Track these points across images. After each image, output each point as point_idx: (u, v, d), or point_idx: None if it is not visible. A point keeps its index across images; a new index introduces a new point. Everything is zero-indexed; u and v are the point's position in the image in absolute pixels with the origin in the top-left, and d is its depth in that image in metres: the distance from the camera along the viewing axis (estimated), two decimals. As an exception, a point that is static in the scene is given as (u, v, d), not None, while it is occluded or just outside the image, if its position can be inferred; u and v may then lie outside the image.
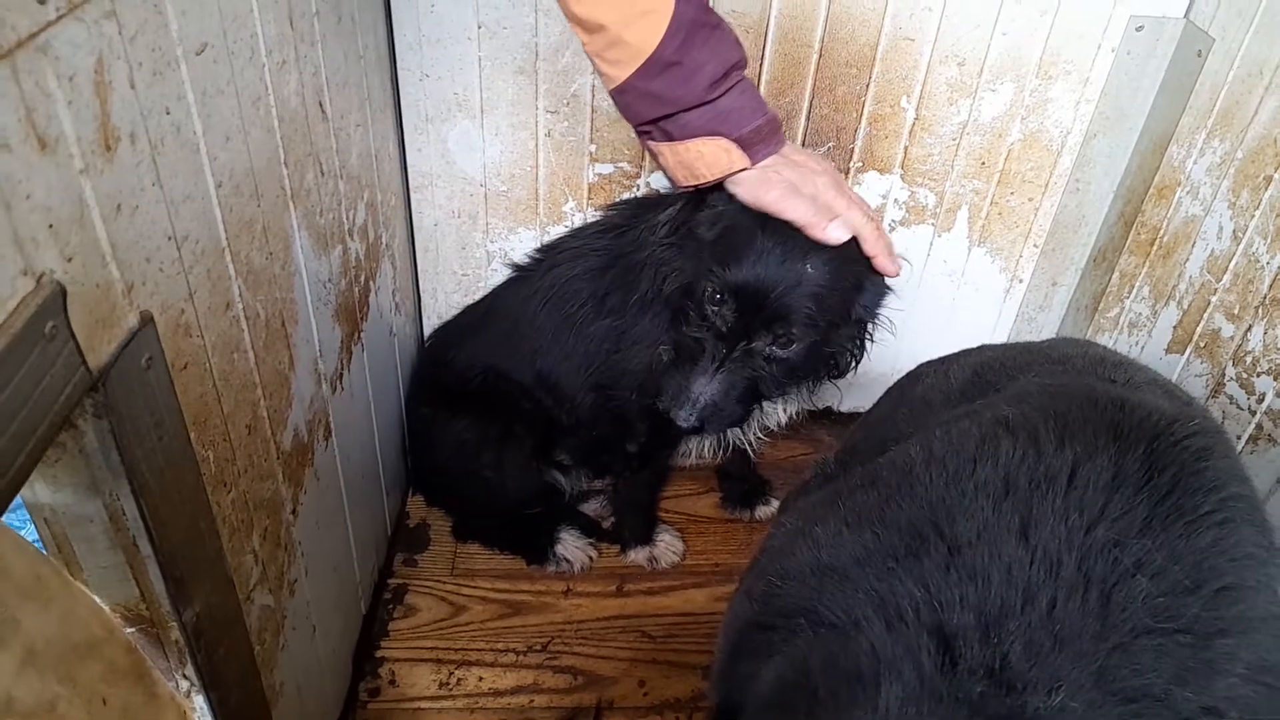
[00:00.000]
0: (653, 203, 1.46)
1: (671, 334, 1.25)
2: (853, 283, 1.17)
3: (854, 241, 1.15)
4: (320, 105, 1.12)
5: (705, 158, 1.10)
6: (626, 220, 1.45)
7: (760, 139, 1.10)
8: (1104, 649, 0.52)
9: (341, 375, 1.25)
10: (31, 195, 0.58)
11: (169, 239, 0.76)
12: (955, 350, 1.56)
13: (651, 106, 1.08)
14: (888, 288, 1.22)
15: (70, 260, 0.62)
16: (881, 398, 1.09)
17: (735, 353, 1.16)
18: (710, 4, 1.08)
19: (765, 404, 1.37)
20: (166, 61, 0.74)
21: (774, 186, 1.11)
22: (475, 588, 1.57)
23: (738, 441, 1.49)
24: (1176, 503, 0.58)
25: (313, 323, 1.12)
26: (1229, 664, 0.54)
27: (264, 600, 1.03)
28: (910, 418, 0.91)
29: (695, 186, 1.15)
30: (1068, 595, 0.54)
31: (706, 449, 1.52)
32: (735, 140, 1.09)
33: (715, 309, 1.16)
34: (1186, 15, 1.42)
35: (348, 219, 1.25)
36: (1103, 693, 0.51)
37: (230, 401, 0.90)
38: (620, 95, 1.10)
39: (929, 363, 1.07)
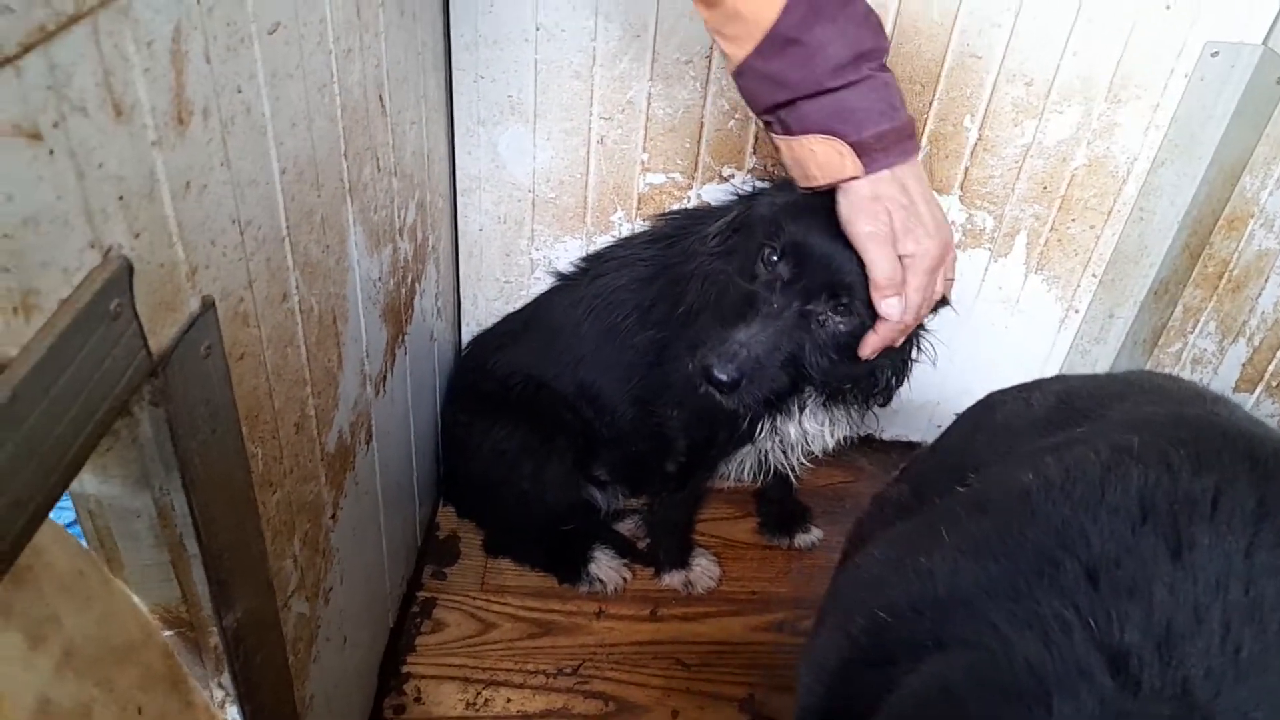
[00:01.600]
0: (703, 214, 1.42)
1: (717, 302, 1.17)
2: None
3: None
4: (380, 99, 1.09)
5: (817, 157, 0.99)
6: (676, 231, 1.41)
7: (882, 146, 0.98)
8: (1290, 686, 0.47)
9: (385, 378, 1.21)
10: (104, 164, 0.54)
11: (233, 222, 0.73)
12: (1007, 379, 1.52)
13: (770, 90, 0.98)
14: (946, 303, 1.17)
15: (138, 237, 0.58)
16: (952, 426, 1.04)
17: (789, 310, 1.06)
18: None
19: (808, 425, 1.32)
20: (240, 38, 0.71)
21: (875, 220, 1.00)
22: (505, 604, 1.52)
23: (780, 465, 1.44)
24: (1334, 537, 0.54)
25: (361, 322, 1.08)
26: None
27: (300, 608, 0.99)
28: (991, 445, 0.87)
29: (811, 190, 1.04)
30: (1241, 621, 0.49)
31: (747, 471, 1.47)
32: (852, 144, 0.97)
33: (771, 266, 1.07)
34: (1265, 42, 1.38)
35: (399, 218, 1.21)
36: (1296, 736, 0.46)
37: (281, 397, 0.86)
38: (740, 78, 1.01)
39: (1003, 391, 1.02)
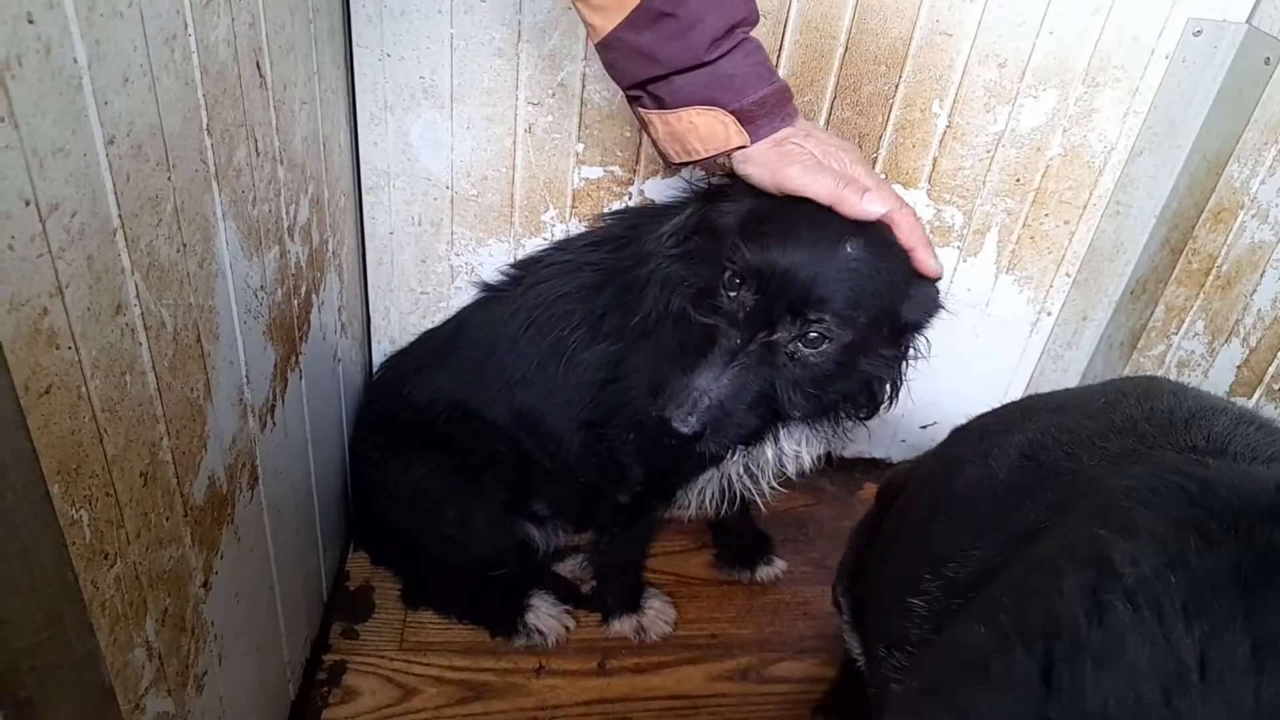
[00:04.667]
0: (652, 214, 1.26)
1: (679, 332, 1.04)
2: (900, 277, 0.98)
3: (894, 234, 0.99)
4: (258, 67, 0.89)
5: (699, 130, 0.95)
6: (625, 231, 1.24)
7: (764, 111, 0.95)
8: None
9: (274, 408, 1.00)
10: None
11: (26, 204, 0.52)
12: (976, 388, 1.40)
13: (642, 65, 0.93)
14: (938, 295, 1.03)
15: None
16: (911, 481, 0.89)
17: (753, 345, 0.94)
18: None
19: (785, 444, 1.16)
20: (32, -50, 0.51)
21: (794, 160, 0.95)
22: (428, 665, 1.31)
23: (745, 491, 1.28)
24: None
25: (239, 339, 0.88)
26: None
27: (160, 706, 0.78)
28: (951, 529, 0.72)
29: (687, 163, 1.00)
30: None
31: (709, 500, 1.30)
32: (734, 112, 0.94)
33: (733, 293, 0.95)
34: (1249, 20, 1.28)
35: (288, 215, 1.01)
36: None
37: (118, 441, 0.66)
38: (606, 51, 0.95)
39: (962, 436, 0.88)
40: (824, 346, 0.96)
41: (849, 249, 0.94)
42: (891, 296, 0.99)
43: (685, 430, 0.93)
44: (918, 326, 1.03)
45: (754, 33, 0.96)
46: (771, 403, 0.97)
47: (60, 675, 0.61)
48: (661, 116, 0.96)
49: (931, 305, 1.02)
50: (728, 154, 0.97)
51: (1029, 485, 0.72)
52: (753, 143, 0.95)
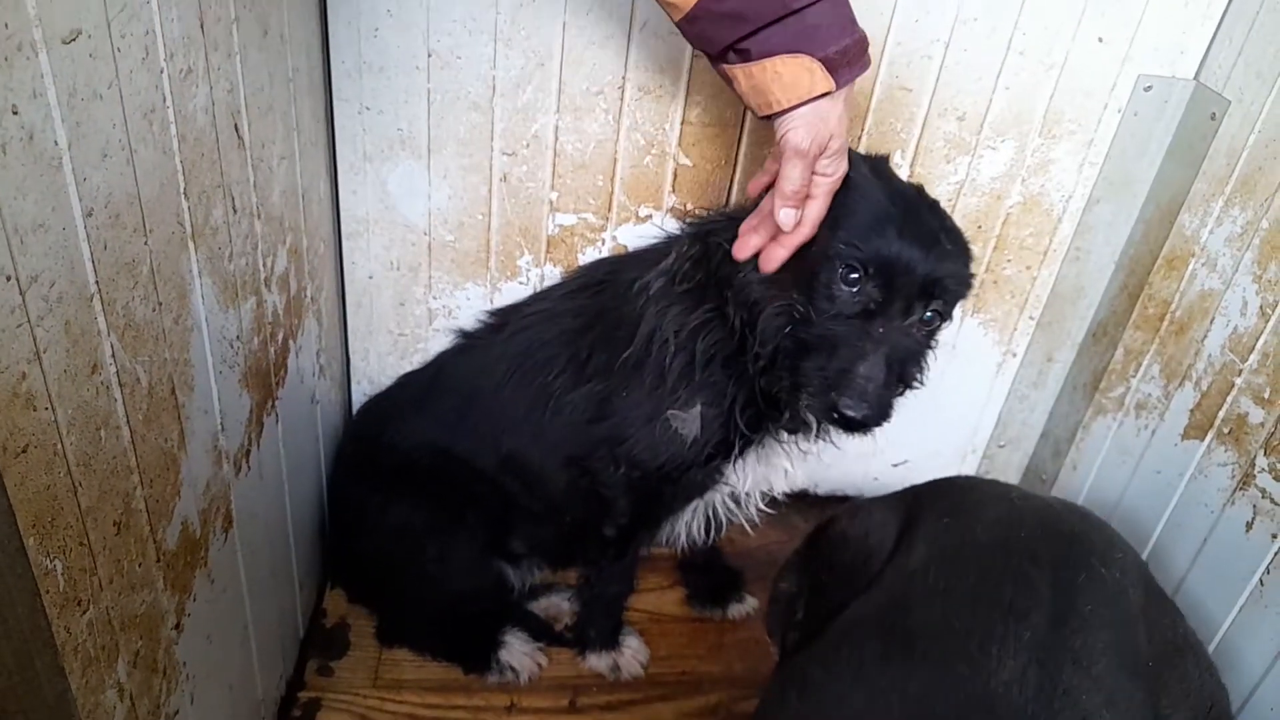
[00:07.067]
0: (627, 259, 1.31)
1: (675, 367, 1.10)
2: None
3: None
4: (236, 129, 0.93)
5: (783, 79, 0.94)
6: (604, 275, 1.28)
7: (847, 61, 0.95)
8: None
9: (249, 452, 1.03)
10: None
11: (7, 278, 0.56)
12: (945, 426, 1.44)
13: (730, 28, 0.94)
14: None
15: None
16: (839, 556, 0.96)
17: (894, 332, 1.00)
18: None
19: (773, 463, 1.21)
20: (17, 45, 0.55)
21: (816, 137, 0.96)
22: (402, 702, 1.34)
23: (731, 517, 1.31)
24: None
25: (213, 389, 0.91)
26: None
27: (131, 746, 0.80)
28: None
29: (770, 116, 0.98)
30: None
31: (696, 528, 1.33)
32: (820, 60, 0.93)
33: (852, 288, 1.00)
34: (1197, 77, 1.33)
35: (265, 266, 1.05)
36: None
37: (92, 493, 0.69)
38: (692, 24, 0.96)
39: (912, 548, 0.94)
40: (935, 324, 1.05)
41: (944, 235, 1.01)
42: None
43: (857, 416, 0.98)
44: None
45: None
46: (904, 378, 1.05)
47: (32, 718, 0.64)
48: (745, 70, 0.96)
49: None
50: (807, 103, 0.95)
51: None
52: (837, 89, 0.95)
